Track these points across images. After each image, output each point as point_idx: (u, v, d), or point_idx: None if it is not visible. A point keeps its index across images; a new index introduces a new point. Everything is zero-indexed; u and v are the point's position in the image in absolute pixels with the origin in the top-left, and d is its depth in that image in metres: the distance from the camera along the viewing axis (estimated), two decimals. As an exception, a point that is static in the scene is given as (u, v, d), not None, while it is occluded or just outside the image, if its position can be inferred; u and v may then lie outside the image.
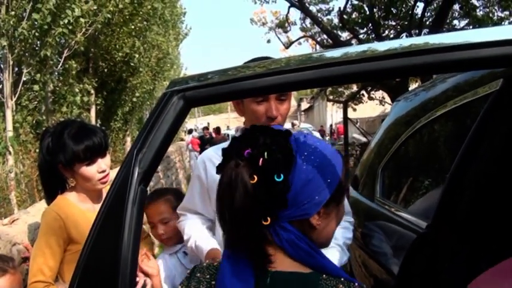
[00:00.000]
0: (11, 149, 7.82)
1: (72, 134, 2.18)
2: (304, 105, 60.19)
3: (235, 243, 1.15)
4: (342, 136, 28.49)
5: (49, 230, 2.17)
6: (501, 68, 1.76)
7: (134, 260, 1.08)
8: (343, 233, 2.14)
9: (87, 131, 2.22)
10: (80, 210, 2.21)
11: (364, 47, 1.10)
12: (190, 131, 22.15)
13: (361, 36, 17.09)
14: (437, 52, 0.98)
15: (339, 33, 18.11)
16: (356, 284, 1.16)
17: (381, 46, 1.06)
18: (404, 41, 1.04)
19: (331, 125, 36.25)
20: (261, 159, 1.11)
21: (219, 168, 1.15)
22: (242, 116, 2.11)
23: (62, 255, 2.18)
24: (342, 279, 1.16)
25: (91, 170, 2.19)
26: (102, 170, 2.22)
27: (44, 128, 9.64)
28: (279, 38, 21.28)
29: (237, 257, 1.14)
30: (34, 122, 9.62)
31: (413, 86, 16.63)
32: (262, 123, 1.97)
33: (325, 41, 19.24)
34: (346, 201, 2.19)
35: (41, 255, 2.15)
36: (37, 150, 8.65)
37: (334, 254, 2.06)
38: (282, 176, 1.13)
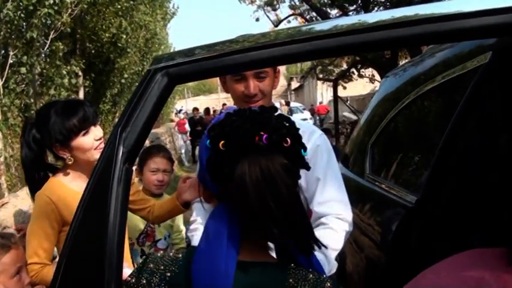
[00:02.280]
0: (-1, 132, 7.76)
1: (60, 111, 2.18)
2: (294, 84, 60.04)
3: (282, 236, 1.08)
4: (321, 115, 28.57)
5: (41, 213, 2.20)
6: (494, 37, 1.74)
7: (121, 240, 1.06)
8: (326, 235, 1.91)
9: (75, 103, 2.26)
10: (72, 191, 2.21)
11: (354, 18, 1.08)
12: (179, 112, 22.05)
13: (350, 13, 16.99)
14: (428, 22, 0.96)
15: (328, 10, 17.99)
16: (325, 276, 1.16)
17: (371, 17, 1.04)
18: (395, 12, 1.02)
19: (320, 103, 36.25)
20: (288, 140, 1.08)
21: (229, 159, 1.07)
22: (228, 93, 2.06)
23: (56, 237, 2.21)
24: (310, 269, 1.14)
25: (88, 140, 2.20)
26: (98, 137, 2.24)
27: (32, 111, 9.59)
28: (268, 16, 21.10)
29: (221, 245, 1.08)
30: (22, 105, 9.54)
31: (403, 62, 16.60)
32: (242, 101, 1.95)
33: (314, 18, 19.11)
34: (337, 196, 2.02)
35: (35, 238, 2.19)
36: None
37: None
38: (305, 152, 1.13)
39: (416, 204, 2.13)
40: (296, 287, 1.08)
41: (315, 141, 2.03)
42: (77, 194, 2.14)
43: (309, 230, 1.13)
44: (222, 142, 1.07)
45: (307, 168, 1.13)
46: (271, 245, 1.19)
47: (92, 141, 2.20)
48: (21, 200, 4.22)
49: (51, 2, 8.43)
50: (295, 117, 2.25)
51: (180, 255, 1.17)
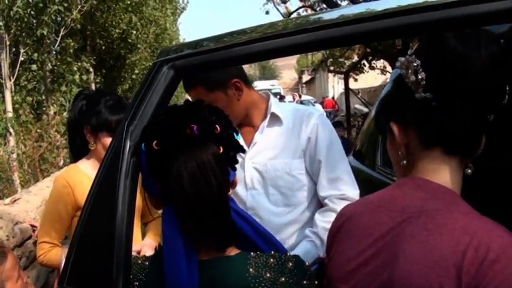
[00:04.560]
0: (11, 130, 7.82)
1: (109, 104, 2.27)
2: (306, 77, 59.85)
3: (205, 230, 1.08)
4: (327, 110, 28.49)
5: (58, 196, 2.31)
6: (507, 23, 1.70)
7: (129, 234, 1.06)
8: (328, 217, 1.90)
9: (124, 106, 2.30)
10: (89, 178, 2.25)
11: (361, 6, 1.06)
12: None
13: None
14: (438, 9, 0.94)
15: (338, 1, 17.89)
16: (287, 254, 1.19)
17: (379, 5, 1.02)
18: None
19: (333, 97, 36.10)
20: (218, 127, 1.10)
21: (164, 157, 1.08)
22: None
23: (69, 221, 2.31)
24: (272, 252, 1.16)
25: None
26: None
27: (44, 108, 9.63)
28: (277, 8, 21.00)
29: (180, 249, 1.08)
30: (34, 102, 9.61)
31: (414, 54, 16.37)
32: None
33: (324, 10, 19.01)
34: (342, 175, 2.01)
35: (49, 219, 2.34)
36: (38, 130, 8.69)
37: (304, 248, 1.89)
38: (238, 135, 1.17)
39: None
40: (257, 276, 1.09)
41: (313, 121, 2.00)
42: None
43: (230, 223, 1.13)
44: (155, 142, 1.09)
45: (242, 151, 1.17)
46: None
47: None
48: (34, 195, 4.24)
49: (61, -2, 8.48)
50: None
51: (147, 263, 1.18)
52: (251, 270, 1.10)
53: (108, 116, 2.23)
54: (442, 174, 1.05)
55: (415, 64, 1.04)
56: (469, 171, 1.09)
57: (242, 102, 1.98)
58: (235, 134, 1.16)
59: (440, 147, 1.05)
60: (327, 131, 2.02)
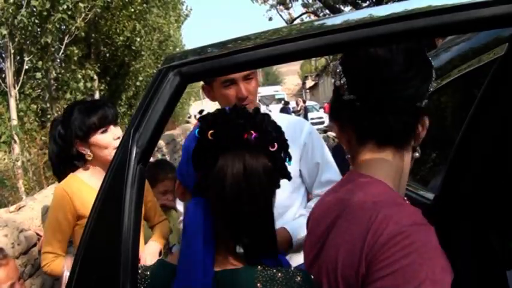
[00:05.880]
0: (16, 137, 7.85)
1: (83, 109, 2.31)
2: (309, 83, 59.96)
3: (246, 237, 1.09)
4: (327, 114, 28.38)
5: (57, 205, 2.34)
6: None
7: (135, 241, 1.05)
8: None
9: (97, 103, 2.41)
10: (89, 187, 2.30)
11: (365, 12, 1.06)
12: (200, 113, 22.22)
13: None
14: (442, 13, 0.94)
15: (341, 7, 17.92)
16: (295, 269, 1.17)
17: (383, 10, 1.02)
18: (407, 4, 1.00)
19: (326, 102, 36.08)
20: (276, 144, 1.12)
21: (215, 149, 1.10)
22: (214, 101, 2.12)
23: (70, 229, 2.34)
24: (278, 267, 1.15)
25: (107, 137, 2.30)
26: (117, 136, 2.32)
27: (48, 116, 9.66)
28: (280, 15, 21.07)
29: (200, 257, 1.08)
30: (38, 110, 9.65)
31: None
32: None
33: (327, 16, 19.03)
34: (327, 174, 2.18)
35: (50, 229, 2.37)
36: (43, 138, 8.72)
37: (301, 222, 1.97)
38: (291, 162, 1.17)
39: (434, 201, 2.10)
40: None
41: (307, 129, 2.18)
42: (93, 190, 2.23)
43: (272, 239, 1.14)
44: (211, 132, 1.10)
45: (289, 178, 1.19)
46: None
47: (110, 139, 2.29)
48: (39, 203, 4.25)
49: (65, 7, 8.52)
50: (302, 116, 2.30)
51: (148, 273, 1.17)
52: (259, 285, 1.08)
53: (88, 118, 2.26)
54: (376, 164, 1.17)
55: (338, 70, 1.17)
56: (417, 154, 1.27)
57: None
58: (287, 160, 1.17)
59: (373, 140, 1.17)
60: (320, 138, 2.25)
